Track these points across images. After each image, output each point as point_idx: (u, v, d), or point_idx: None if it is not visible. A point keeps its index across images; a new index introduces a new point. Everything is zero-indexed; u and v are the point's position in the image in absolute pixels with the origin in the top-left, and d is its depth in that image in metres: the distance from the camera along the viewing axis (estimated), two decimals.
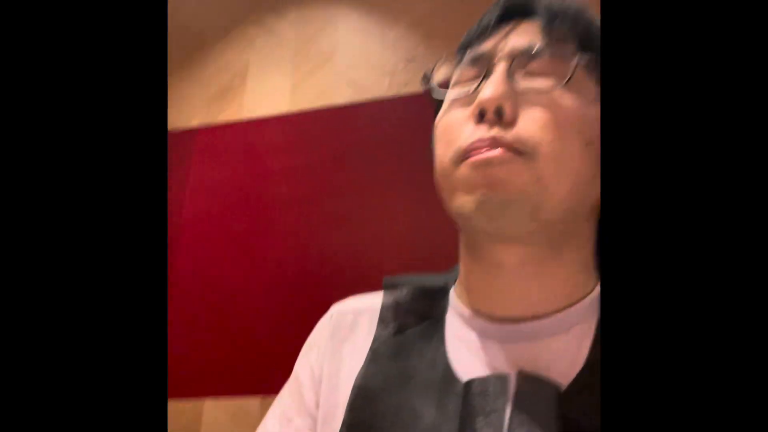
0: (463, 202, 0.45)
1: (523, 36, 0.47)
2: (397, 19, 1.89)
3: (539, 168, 0.43)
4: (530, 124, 0.44)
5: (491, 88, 0.44)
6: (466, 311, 0.50)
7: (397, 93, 1.81)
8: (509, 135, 0.43)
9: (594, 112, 0.45)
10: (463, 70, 0.49)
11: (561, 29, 0.46)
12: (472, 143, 0.44)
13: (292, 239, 1.80)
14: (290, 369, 0.57)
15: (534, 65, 0.46)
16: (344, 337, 0.54)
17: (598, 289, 0.49)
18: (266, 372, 1.59)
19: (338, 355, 0.53)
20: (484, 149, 0.43)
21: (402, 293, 0.54)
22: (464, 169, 0.44)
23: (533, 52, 0.46)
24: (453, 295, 0.52)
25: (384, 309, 0.54)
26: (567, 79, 0.44)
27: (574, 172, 0.44)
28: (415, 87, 1.73)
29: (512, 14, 0.49)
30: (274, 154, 1.91)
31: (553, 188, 0.43)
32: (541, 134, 0.43)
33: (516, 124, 0.44)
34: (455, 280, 0.54)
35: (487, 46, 0.48)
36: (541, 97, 0.44)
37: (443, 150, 0.47)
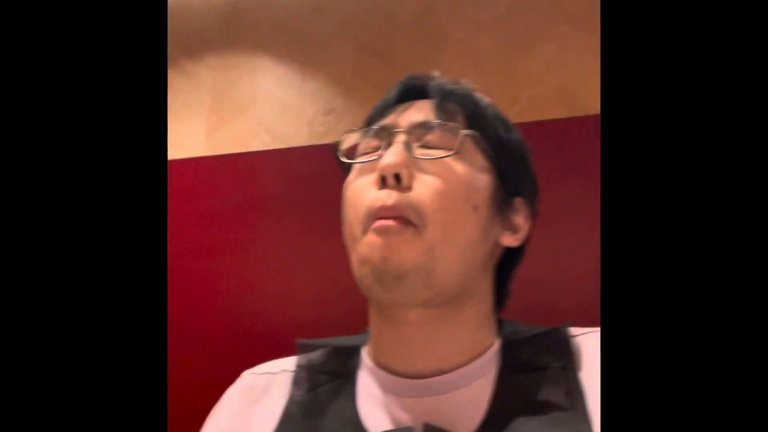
0: (362, 275, 0.49)
1: (419, 113, 0.53)
2: (316, 72, 1.94)
3: (429, 238, 0.48)
4: (424, 188, 0.49)
5: (391, 157, 0.49)
6: (375, 368, 0.53)
7: (316, 143, 1.84)
8: (405, 201, 0.48)
9: (481, 179, 0.52)
10: (368, 141, 0.54)
11: (451, 107, 0.53)
12: (377, 210, 0.48)
13: (202, 288, 1.75)
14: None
15: (428, 137, 0.52)
16: (256, 399, 0.55)
17: (497, 343, 0.53)
18: None
19: (248, 416, 0.54)
20: (383, 220, 0.48)
21: (316, 354, 0.56)
22: (367, 239, 0.48)
23: (427, 126, 0.52)
24: (364, 353, 0.55)
25: (298, 370, 0.55)
26: (456, 149, 0.50)
27: (462, 235, 0.49)
28: (333, 137, 1.74)
29: (409, 95, 0.55)
30: (186, 197, 1.86)
31: (443, 255, 0.48)
32: (433, 202, 0.48)
33: (412, 188, 0.49)
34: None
35: (388, 120, 0.54)
36: (434, 164, 0.50)
37: (352, 214, 0.51)
